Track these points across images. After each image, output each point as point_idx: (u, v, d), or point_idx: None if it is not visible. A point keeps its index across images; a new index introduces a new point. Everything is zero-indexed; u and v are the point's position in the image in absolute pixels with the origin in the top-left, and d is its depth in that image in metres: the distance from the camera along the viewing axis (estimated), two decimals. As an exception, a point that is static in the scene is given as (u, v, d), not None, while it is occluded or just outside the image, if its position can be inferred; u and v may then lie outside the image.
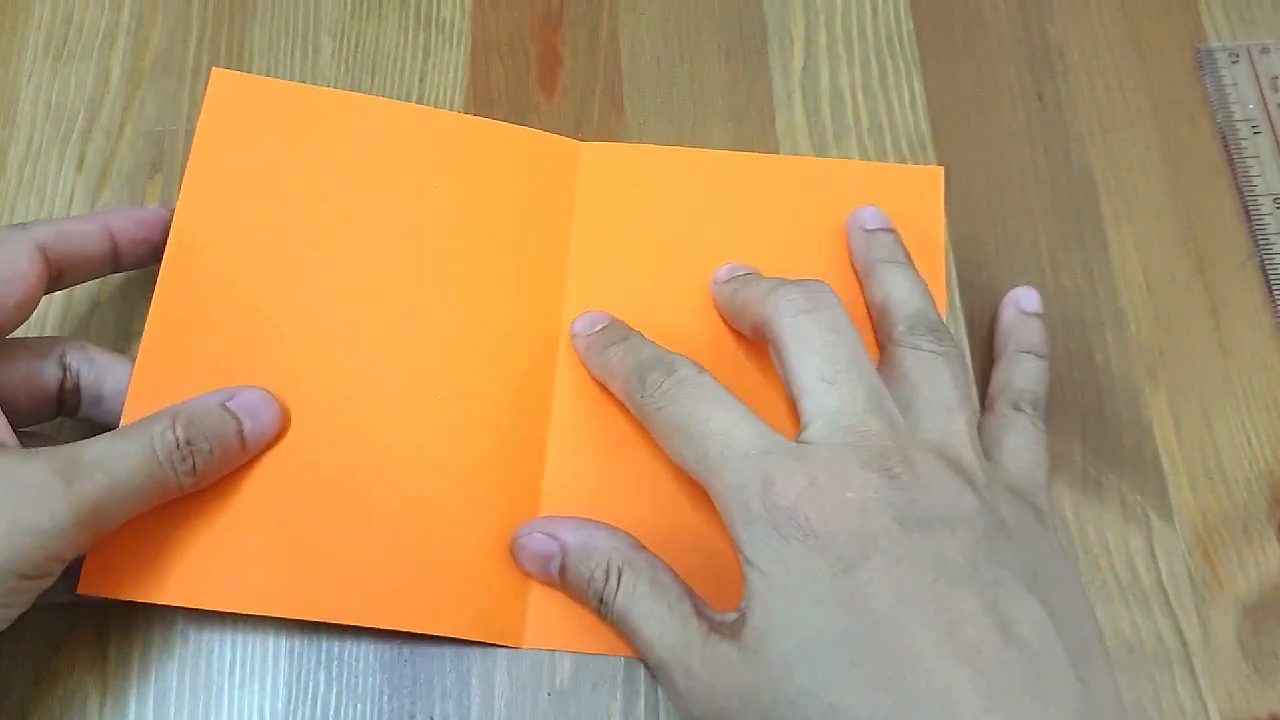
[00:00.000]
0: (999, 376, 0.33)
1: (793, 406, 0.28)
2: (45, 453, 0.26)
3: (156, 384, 0.31)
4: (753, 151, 0.37)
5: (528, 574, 0.31)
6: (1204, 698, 0.31)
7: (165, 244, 0.33)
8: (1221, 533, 0.33)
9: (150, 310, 0.32)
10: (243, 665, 0.31)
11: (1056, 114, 0.39)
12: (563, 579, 0.30)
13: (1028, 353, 0.33)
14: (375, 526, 0.31)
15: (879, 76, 0.39)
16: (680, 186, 0.36)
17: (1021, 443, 0.31)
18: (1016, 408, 0.32)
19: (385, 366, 0.33)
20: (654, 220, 0.35)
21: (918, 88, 0.39)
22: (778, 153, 0.38)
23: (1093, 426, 0.34)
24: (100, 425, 0.31)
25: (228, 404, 0.30)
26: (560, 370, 0.34)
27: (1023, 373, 0.33)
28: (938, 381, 0.29)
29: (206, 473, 0.29)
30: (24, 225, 0.30)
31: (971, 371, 0.34)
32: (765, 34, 0.40)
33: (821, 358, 0.28)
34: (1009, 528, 0.26)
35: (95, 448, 0.27)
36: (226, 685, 0.30)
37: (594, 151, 0.36)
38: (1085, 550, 0.33)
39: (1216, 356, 0.35)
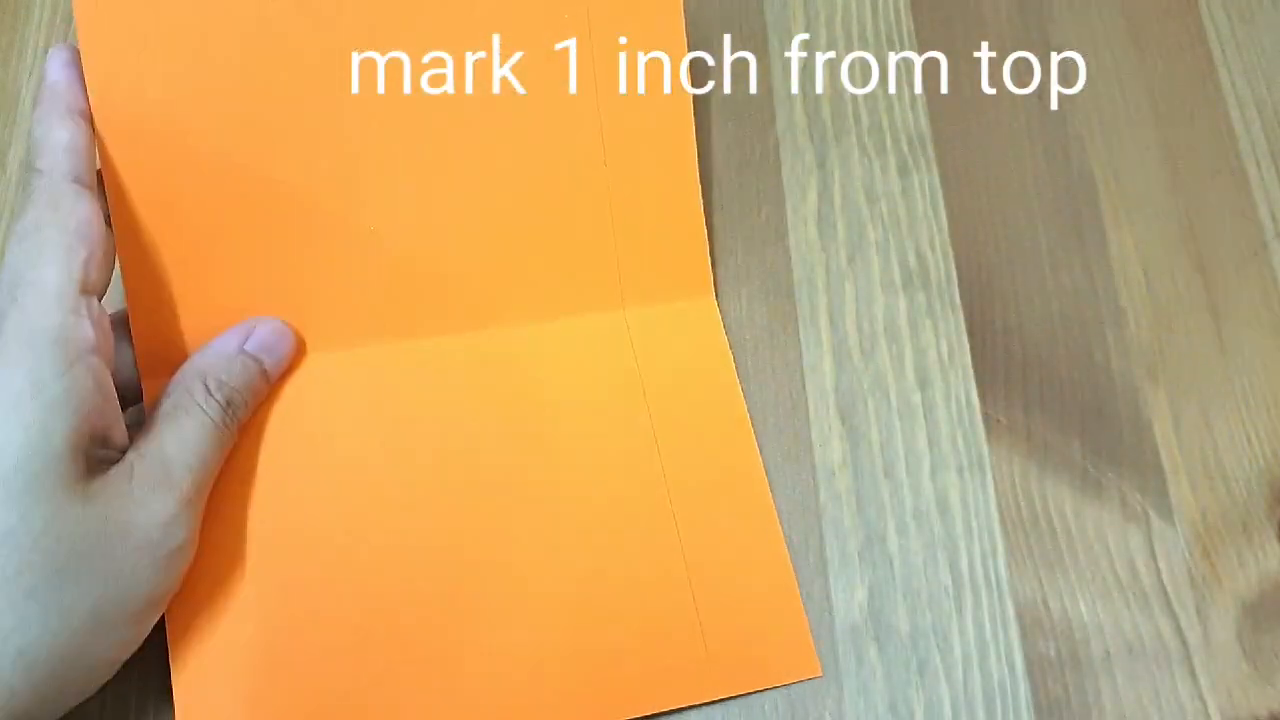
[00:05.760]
0: None
1: None
2: (146, 466, 0.27)
3: (155, 321, 0.31)
4: (751, 153, 0.37)
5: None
6: (1204, 697, 0.31)
7: None
8: (1221, 532, 0.33)
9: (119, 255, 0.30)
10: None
11: (1057, 113, 0.39)
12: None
13: None
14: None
15: (879, 76, 0.39)
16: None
17: None
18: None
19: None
20: None
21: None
22: (778, 151, 0.38)
23: (1092, 425, 0.34)
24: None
25: (246, 348, 0.31)
26: None
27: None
28: None
29: (245, 420, 0.31)
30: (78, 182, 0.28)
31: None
32: (765, 33, 0.40)
33: None
34: None
35: (169, 443, 0.28)
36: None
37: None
38: (1085, 549, 0.33)
39: (1216, 355, 0.35)
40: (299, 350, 0.32)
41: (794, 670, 0.31)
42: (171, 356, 0.31)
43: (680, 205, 0.34)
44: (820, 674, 0.31)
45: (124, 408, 0.29)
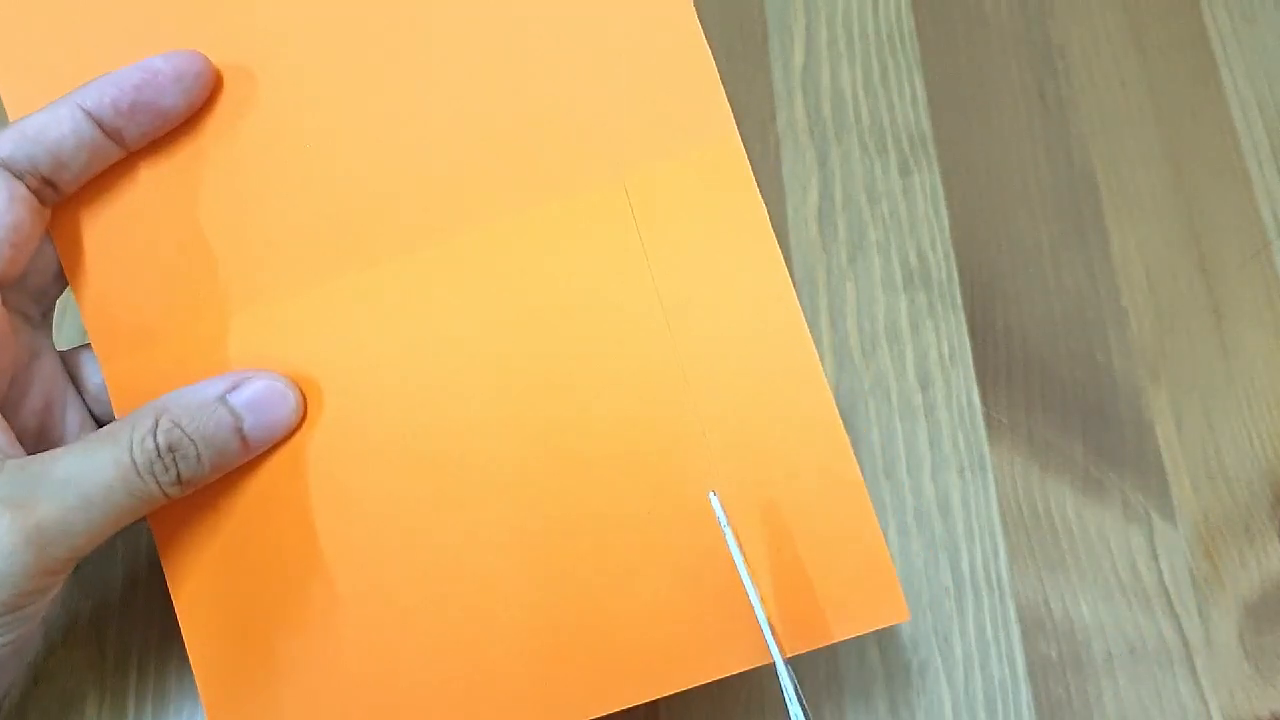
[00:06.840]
0: None
1: None
2: (11, 468, 0.24)
3: (123, 349, 0.27)
4: (751, 152, 0.37)
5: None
6: (1206, 697, 0.31)
7: (174, 96, 0.27)
8: (1223, 532, 0.33)
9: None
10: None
11: (1058, 112, 0.39)
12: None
13: None
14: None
15: (880, 74, 0.39)
16: None
17: None
18: None
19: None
20: None
21: (919, 85, 0.39)
22: (779, 150, 0.38)
23: (1094, 426, 0.34)
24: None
25: (228, 397, 0.25)
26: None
27: None
28: None
29: (195, 481, 0.25)
30: None
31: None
32: (766, 31, 0.40)
33: None
34: None
35: (67, 461, 0.24)
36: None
37: None
38: (1087, 550, 0.33)
39: (1218, 356, 0.35)
40: (298, 419, 0.26)
41: (876, 614, 0.25)
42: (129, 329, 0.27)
43: (678, 41, 0.28)
44: (908, 618, 0.25)
45: None
